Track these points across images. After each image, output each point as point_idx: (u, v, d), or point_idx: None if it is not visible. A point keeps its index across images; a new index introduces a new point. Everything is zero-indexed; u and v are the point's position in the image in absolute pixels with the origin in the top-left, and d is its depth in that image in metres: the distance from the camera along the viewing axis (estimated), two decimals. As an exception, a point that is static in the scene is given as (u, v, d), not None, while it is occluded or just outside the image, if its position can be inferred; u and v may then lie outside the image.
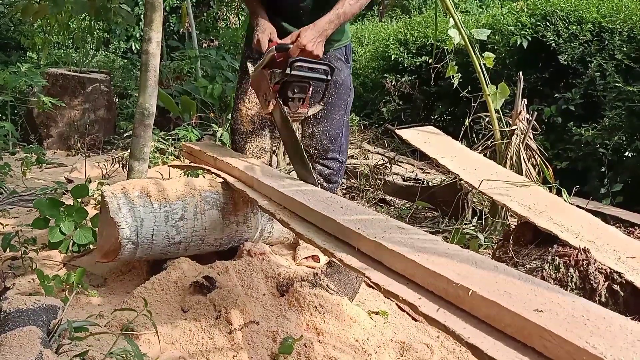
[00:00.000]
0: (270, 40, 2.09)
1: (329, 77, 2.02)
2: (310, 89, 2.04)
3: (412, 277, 1.13)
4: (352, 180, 4.63)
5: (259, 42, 2.10)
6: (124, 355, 1.44)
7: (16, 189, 3.70)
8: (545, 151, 3.63)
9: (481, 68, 3.40)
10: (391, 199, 4.30)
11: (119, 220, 2.01)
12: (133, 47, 6.39)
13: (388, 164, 4.78)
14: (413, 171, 5.30)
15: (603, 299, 1.95)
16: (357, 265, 1.28)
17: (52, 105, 4.91)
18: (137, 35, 8.30)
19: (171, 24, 8.67)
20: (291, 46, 1.97)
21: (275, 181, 1.94)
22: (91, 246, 2.49)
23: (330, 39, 2.19)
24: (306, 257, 2.52)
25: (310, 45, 1.97)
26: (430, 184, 4.32)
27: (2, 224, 2.82)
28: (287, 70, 1.90)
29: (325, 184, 2.44)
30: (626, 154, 4.09)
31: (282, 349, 1.74)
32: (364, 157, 5.45)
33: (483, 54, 3.44)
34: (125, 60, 8.21)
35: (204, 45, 7.30)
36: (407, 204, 4.15)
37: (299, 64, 1.92)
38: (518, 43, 4.97)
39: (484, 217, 3.51)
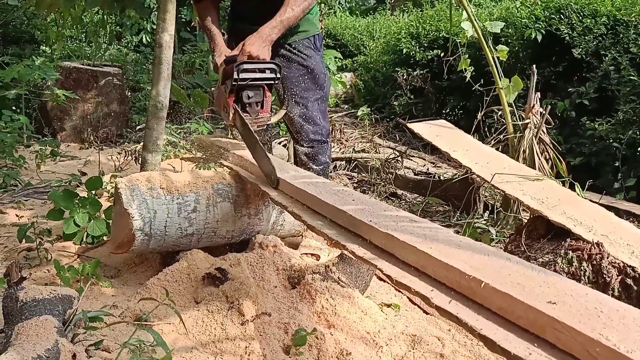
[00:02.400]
0: None
1: (278, 75, 2.11)
2: (268, 93, 2.13)
3: (424, 269, 1.14)
4: (363, 174, 4.62)
5: (216, 66, 2.22)
6: (138, 345, 1.46)
7: (31, 181, 3.75)
8: (559, 146, 3.60)
9: (494, 61, 3.37)
10: (402, 193, 4.30)
11: (132, 212, 2.03)
12: (144, 40, 6.40)
13: (399, 158, 4.77)
14: (424, 165, 5.28)
15: (616, 293, 1.94)
16: (369, 257, 1.28)
17: (65, 99, 4.94)
18: (149, 27, 8.34)
19: (182, 15, 8.68)
20: (237, 56, 2.09)
21: (287, 173, 1.94)
22: (105, 238, 2.51)
23: (298, 30, 2.45)
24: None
25: (255, 50, 2.08)
26: (441, 178, 4.31)
27: (17, 216, 2.85)
28: (235, 75, 1.99)
29: (315, 167, 2.57)
30: (640, 148, 4.05)
31: (296, 341, 1.75)
32: (375, 150, 5.44)
33: (496, 47, 3.42)
34: (138, 54, 8.24)
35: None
36: (418, 198, 4.15)
37: (245, 66, 2.02)
38: (532, 36, 4.92)
39: (495, 212, 3.49)
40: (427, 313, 2.20)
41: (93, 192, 2.63)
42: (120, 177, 2.52)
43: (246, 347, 1.70)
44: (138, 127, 5.35)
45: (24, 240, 2.42)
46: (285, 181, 1.85)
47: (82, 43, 7.41)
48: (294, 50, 2.53)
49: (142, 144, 2.91)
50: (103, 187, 3.00)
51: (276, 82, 2.15)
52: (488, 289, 0.96)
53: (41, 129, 5.50)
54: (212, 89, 2.38)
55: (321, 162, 2.63)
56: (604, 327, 0.80)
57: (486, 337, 0.90)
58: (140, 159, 2.87)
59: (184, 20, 8.90)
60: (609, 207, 2.72)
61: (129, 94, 6.68)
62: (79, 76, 5.64)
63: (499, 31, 3.81)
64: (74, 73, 5.62)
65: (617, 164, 4.12)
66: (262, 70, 2.07)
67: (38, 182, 3.73)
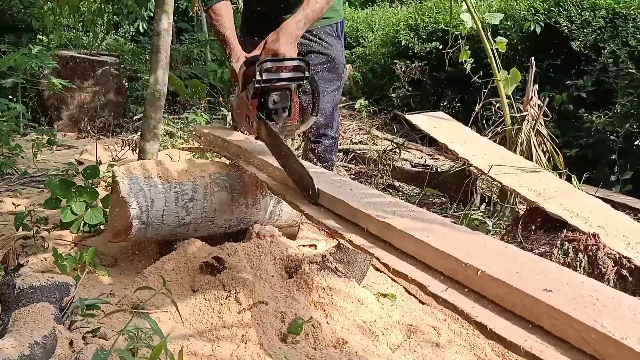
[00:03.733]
0: None
1: (307, 74, 1.81)
2: (295, 97, 1.85)
3: (421, 257, 1.14)
4: (361, 166, 4.63)
5: (234, 72, 2.00)
6: (136, 332, 1.46)
7: (27, 170, 3.74)
8: (556, 138, 3.61)
9: (493, 53, 3.37)
10: (400, 185, 4.30)
11: (130, 200, 2.03)
12: (140, 28, 6.36)
13: (397, 150, 4.77)
14: (422, 157, 5.28)
15: (611, 284, 1.95)
16: (366, 246, 1.29)
17: (62, 87, 4.93)
18: (146, 15, 8.28)
19: (180, 4, 8.63)
20: (259, 56, 1.83)
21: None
22: (102, 227, 2.51)
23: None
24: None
25: (280, 47, 1.82)
26: (439, 170, 4.31)
27: (14, 204, 2.85)
28: (258, 76, 1.73)
29: (318, 164, 2.44)
30: (637, 142, 4.06)
31: (291, 329, 1.76)
32: (373, 142, 5.44)
33: (495, 39, 3.41)
34: (135, 44, 8.21)
35: (214, 29, 7.28)
36: (415, 189, 4.15)
37: (268, 65, 1.74)
38: (531, 29, 4.92)
39: (492, 204, 3.50)
40: (423, 303, 2.21)
41: (90, 181, 2.63)
42: (118, 166, 2.51)
43: (243, 335, 1.70)
44: (135, 117, 5.34)
45: (20, 229, 2.42)
46: (283, 171, 1.85)
47: (79, 32, 7.36)
48: (315, 38, 2.38)
49: (139, 133, 2.90)
50: (100, 176, 2.99)
51: (305, 82, 1.85)
52: (484, 277, 0.96)
53: (38, 118, 5.48)
54: (231, 97, 2.14)
55: (326, 160, 2.52)
56: (599, 314, 0.80)
57: (482, 325, 0.90)
58: (137, 148, 2.87)
59: (181, 9, 8.85)
60: (605, 200, 2.73)
61: (127, 83, 6.65)
62: (76, 65, 5.62)
63: (498, 23, 3.80)
64: (71, 62, 5.60)
65: (614, 157, 4.14)
66: (289, 70, 1.79)
67: (35, 171, 3.73)
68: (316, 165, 2.41)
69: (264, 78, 1.73)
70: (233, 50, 2.10)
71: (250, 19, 2.49)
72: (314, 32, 2.36)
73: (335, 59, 2.38)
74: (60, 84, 4.88)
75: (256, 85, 1.75)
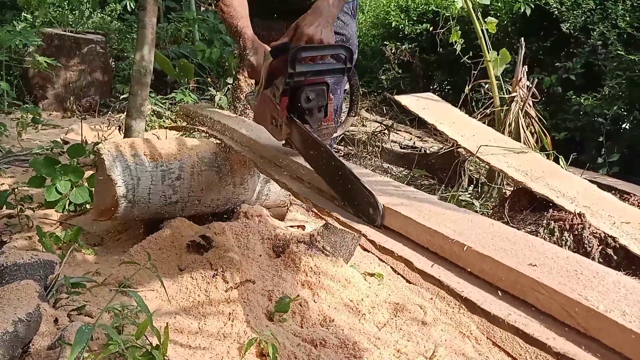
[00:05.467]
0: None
1: (349, 65, 1.47)
2: (329, 92, 1.51)
3: (408, 234, 1.14)
4: (350, 147, 4.61)
5: (252, 67, 1.67)
6: (121, 309, 1.45)
7: (12, 149, 3.69)
8: (544, 121, 3.62)
9: (483, 34, 3.36)
10: (388, 166, 4.30)
11: (116, 178, 2.00)
12: (128, 7, 6.25)
13: (386, 132, 4.76)
14: (411, 139, 5.28)
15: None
16: (352, 223, 1.28)
17: (47, 66, 4.85)
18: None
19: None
20: (289, 43, 1.49)
21: (273, 142, 1.92)
22: (88, 206, 2.49)
23: None
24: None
25: (315, 32, 1.48)
26: (427, 152, 4.32)
27: (-2, 183, 2.81)
28: (290, 69, 1.38)
29: None
30: (624, 125, 4.09)
31: (278, 307, 1.76)
32: (362, 124, 5.42)
33: (485, 20, 3.39)
34: (122, 22, 8.07)
35: (202, 8, 7.18)
36: (404, 171, 4.16)
37: (304, 54, 1.39)
38: (521, 10, 4.90)
39: (480, 185, 3.52)
40: (410, 282, 2.22)
41: (76, 159, 2.60)
42: (103, 144, 2.48)
43: (230, 313, 1.70)
44: (122, 97, 5.27)
45: (4, 207, 2.39)
46: (271, 149, 1.83)
47: (65, 10, 7.22)
48: None
49: (126, 111, 2.86)
50: (86, 155, 2.96)
51: (346, 74, 1.50)
52: (470, 253, 0.96)
53: (22, 97, 5.40)
54: (248, 96, 1.70)
55: None
56: (583, 288, 0.80)
57: (467, 299, 0.90)
58: (124, 126, 2.83)
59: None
60: (591, 182, 2.75)
61: (113, 62, 6.56)
62: (61, 43, 5.52)
63: (489, 3, 3.78)
64: (56, 40, 5.50)
65: (601, 140, 4.16)
66: (326, 58, 1.48)
67: (19, 150, 3.68)
68: None
69: (297, 70, 1.39)
70: (248, 41, 1.76)
71: None
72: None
73: (350, 39, 2.13)
74: (45, 62, 4.80)
75: (287, 80, 1.40)
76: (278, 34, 1.61)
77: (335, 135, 1.57)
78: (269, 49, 1.50)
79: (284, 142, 1.56)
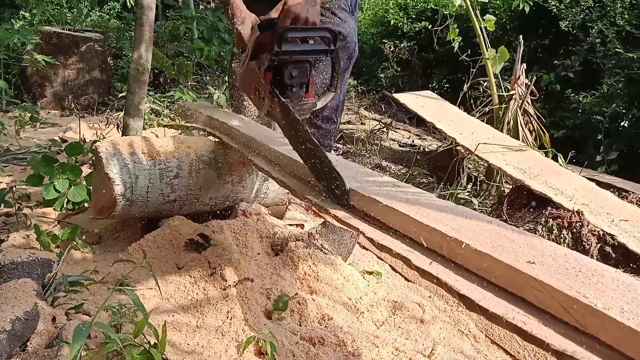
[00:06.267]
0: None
1: (332, 47, 1.54)
2: (313, 70, 1.58)
3: (406, 232, 1.14)
4: (349, 145, 4.61)
5: (239, 37, 1.70)
6: (119, 308, 1.45)
7: (10, 147, 3.68)
8: (543, 119, 3.62)
9: (482, 31, 3.35)
10: (387, 164, 4.30)
11: (114, 177, 2.00)
12: (127, 3, 6.24)
13: (385, 130, 4.76)
14: (409, 137, 5.28)
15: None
16: (351, 222, 1.28)
17: (46, 64, 4.84)
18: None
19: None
20: (277, 19, 1.53)
21: (272, 140, 1.92)
22: (86, 204, 2.48)
23: None
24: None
25: (301, 10, 1.53)
26: (426, 150, 4.32)
27: (-4, 181, 2.81)
28: (276, 47, 1.44)
29: None
30: (623, 123, 4.09)
31: (277, 306, 1.76)
32: (361, 122, 5.42)
33: (484, 17, 3.39)
34: (120, 20, 8.06)
35: (201, 6, 7.17)
36: (403, 169, 4.16)
37: (291, 34, 1.46)
38: (520, 8, 4.89)
39: (478, 183, 3.52)
40: (408, 280, 2.22)
41: (74, 158, 2.59)
42: (101, 142, 2.47)
43: (228, 311, 1.70)
44: (121, 95, 5.26)
45: (2, 206, 2.38)
46: (269, 147, 1.83)
47: (63, 8, 7.21)
48: (327, 12, 2.14)
49: (124, 109, 2.86)
50: (84, 154, 2.96)
51: (329, 55, 1.56)
52: (468, 250, 0.96)
53: (21, 95, 5.39)
54: (234, 64, 1.82)
55: (324, 146, 2.27)
56: (582, 285, 0.80)
57: (465, 297, 0.90)
58: (122, 124, 2.83)
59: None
60: (590, 180, 2.75)
61: (111, 61, 6.55)
62: (59, 41, 5.51)
63: (487, 1, 3.78)
64: (54, 38, 5.49)
65: (599, 137, 4.16)
66: (311, 39, 1.53)
67: (17, 148, 3.67)
68: None
69: (283, 49, 1.45)
70: (237, 10, 1.77)
71: None
72: (327, 6, 2.14)
73: (347, 37, 2.13)
74: (43, 60, 4.79)
75: (273, 57, 1.47)
76: (265, 8, 1.63)
77: (315, 108, 1.64)
78: (257, 19, 1.60)
79: (265, 113, 1.62)
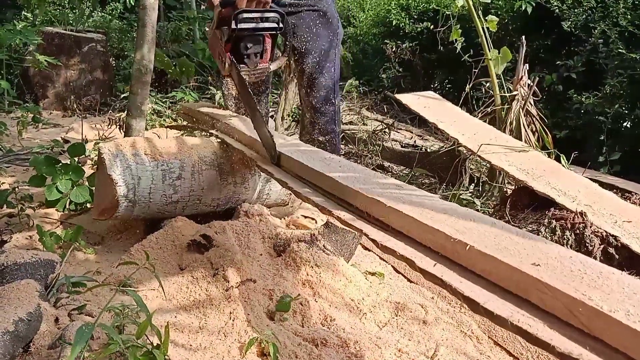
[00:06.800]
0: None
1: (280, 25, 1.84)
2: (268, 40, 1.88)
3: (409, 233, 1.13)
4: (351, 146, 4.61)
5: (210, 4, 1.93)
6: (122, 309, 1.45)
7: (12, 148, 3.68)
8: (545, 119, 3.61)
9: (484, 32, 3.35)
10: (389, 165, 4.30)
11: (116, 178, 2.00)
12: (128, 3, 6.23)
13: (387, 130, 4.75)
14: (411, 138, 5.28)
15: (598, 262, 1.96)
16: (354, 223, 1.27)
17: (48, 64, 4.84)
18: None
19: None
20: None
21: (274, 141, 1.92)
22: (88, 205, 2.49)
23: None
24: (305, 217, 2.52)
25: None
26: (428, 150, 4.31)
27: (-2, 182, 2.81)
28: (233, 25, 1.74)
29: (321, 138, 2.26)
30: (625, 124, 4.08)
31: (279, 306, 1.76)
32: (363, 123, 5.42)
33: (486, 18, 3.39)
34: (122, 21, 8.06)
35: (202, 6, 7.17)
36: (405, 170, 4.15)
37: (244, 15, 1.75)
38: (522, 8, 4.89)
39: (481, 184, 3.51)
40: (411, 281, 2.22)
41: (76, 159, 2.59)
42: (104, 143, 2.47)
43: (230, 312, 1.70)
44: (123, 96, 5.26)
45: (5, 206, 2.38)
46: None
47: (65, 9, 7.21)
48: None
49: (126, 110, 2.85)
50: (86, 154, 2.96)
51: (278, 32, 1.87)
52: (473, 252, 0.95)
53: (23, 96, 5.39)
54: (206, 28, 2.09)
55: (328, 132, 2.30)
56: (587, 288, 0.80)
57: (470, 299, 0.90)
58: (124, 126, 2.83)
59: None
60: (592, 181, 2.74)
61: (114, 61, 6.55)
62: (61, 42, 5.51)
63: (489, 1, 3.77)
64: (56, 39, 5.49)
65: (602, 138, 4.15)
66: (263, 19, 1.81)
67: (20, 149, 3.67)
68: (318, 139, 2.25)
69: (239, 27, 1.75)
70: None
71: None
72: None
73: (327, 13, 2.26)
74: (45, 61, 4.79)
75: (230, 33, 1.77)
76: None
77: (269, 71, 1.93)
78: None
79: (226, 75, 1.90)
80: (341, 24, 2.36)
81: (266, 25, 1.82)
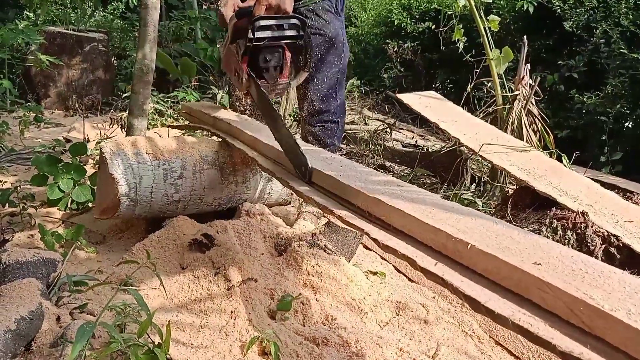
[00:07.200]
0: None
1: (302, 33, 1.68)
2: (288, 53, 1.72)
3: (411, 232, 1.13)
4: (352, 146, 4.61)
5: (222, 18, 1.79)
6: (123, 308, 1.45)
7: (14, 147, 3.69)
8: (547, 119, 3.61)
9: (485, 32, 3.35)
10: (390, 165, 4.30)
11: (118, 177, 2.00)
12: (130, 3, 6.24)
13: (388, 130, 4.76)
14: (413, 137, 5.28)
15: (599, 262, 1.96)
16: (356, 222, 1.27)
17: (50, 64, 4.84)
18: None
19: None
20: (253, 8, 1.66)
21: (275, 141, 1.92)
22: (90, 204, 2.49)
23: None
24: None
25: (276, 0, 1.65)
26: (429, 150, 4.31)
27: (0, 181, 2.81)
28: (250, 34, 1.59)
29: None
30: (627, 123, 4.08)
31: (280, 306, 1.76)
32: (364, 123, 5.42)
33: (488, 18, 3.39)
34: (124, 21, 8.07)
35: (204, 6, 7.17)
36: (406, 169, 4.15)
37: (262, 23, 1.60)
38: (524, 8, 4.88)
39: (482, 184, 3.51)
40: (412, 281, 2.22)
41: (77, 158, 2.60)
42: (106, 142, 2.48)
43: (232, 311, 1.70)
44: (124, 95, 5.26)
45: (7, 205, 2.39)
46: (273, 148, 1.83)
47: (67, 9, 7.22)
48: (311, 14, 2.18)
49: (128, 109, 2.86)
50: (88, 154, 2.96)
51: (299, 41, 1.70)
52: (474, 251, 0.96)
53: (25, 95, 5.40)
54: (218, 45, 1.98)
55: (327, 144, 2.29)
56: (588, 287, 0.80)
57: (471, 298, 0.90)
58: (126, 124, 2.83)
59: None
60: (594, 181, 2.74)
61: (115, 61, 6.56)
62: (63, 42, 5.52)
63: (491, 1, 3.77)
64: (58, 38, 5.50)
65: (604, 138, 4.15)
66: (283, 27, 1.65)
67: (22, 148, 3.68)
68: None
69: (256, 36, 1.60)
70: None
71: None
72: (311, 7, 2.18)
73: (333, 38, 2.19)
74: (47, 60, 4.79)
75: (247, 44, 1.63)
76: None
77: (289, 88, 1.81)
78: (237, 4, 1.75)
79: (244, 92, 1.76)
80: (348, 46, 2.30)
81: (286, 33, 1.66)
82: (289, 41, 1.70)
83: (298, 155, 1.55)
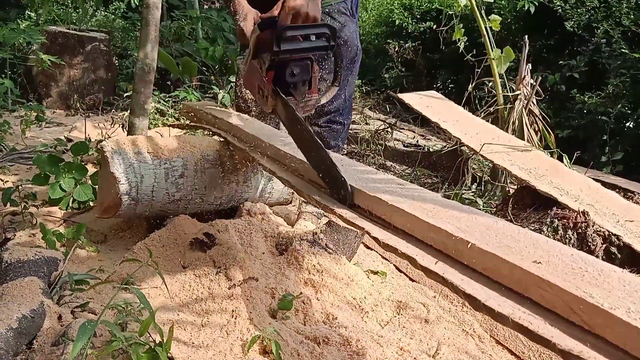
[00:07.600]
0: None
1: (332, 43, 1.50)
2: (316, 66, 1.56)
3: (411, 231, 1.13)
4: (353, 146, 4.61)
5: (242, 33, 1.68)
6: (125, 307, 1.45)
7: (16, 146, 3.69)
8: (548, 119, 3.61)
9: (487, 31, 3.35)
10: (391, 165, 4.30)
11: (119, 176, 2.01)
12: (133, 3, 6.25)
13: (389, 130, 4.76)
14: (414, 137, 5.28)
15: (600, 261, 1.96)
16: (357, 221, 1.28)
17: (51, 64, 4.85)
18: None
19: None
20: (278, 17, 1.50)
21: (276, 139, 1.93)
22: (91, 203, 2.49)
23: None
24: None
25: (303, 7, 1.49)
26: (430, 150, 4.31)
27: (2, 180, 2.82)
28: (276, 47, 1.42)
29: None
30: (628, 123, 4.08)
31: (281, 305, 1.76)
32: (365, 122, 5.42)
33: (489, 17, 3.39)
34: (125, 20, 8.08)
35: (205, 6, 7.18)
36: (407, 169, 4.15)
37: (289, 33, 1.43)
38: (525, 8, 4.89)
39: (483, 183, 3.51)
40: (413, 280, 2.22)
41: (79, 157, 2.60)
42: (107, 141, 2.48)
43: (233, 310, 1.70)
44: (126, 95, 5.27)
45: (8, 204, 2.39)
46: (274, 147, 1.84)
47: (68, 8, 7.23)
48: (326, 17, 2.11)
49: (129, 109, 2.86)
50: (89, 153, 2.96)
51: (329, 52, 1.52)
52: (474, 250, 0.96)
53: (26, 95, 5.40)
54: (238, 61, 1.74)
55: (331, 146, 2.22)
56: (588, 285, 0.80)
57: (471, 296, 0.90)
58: (127, 124, 2.83)
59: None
60: (595, 181, 2.74)
61: (117, 60, 6.56)
62: (65, 41, 5.53)
63: (492, 1, 3.77)
64: (59, 38, 5.50)
65: (605, 138, 4.15)
66: (309, 37, 1.47)
67: (23, 147, 3.68)
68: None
69: (283, 48, 1.43)
70: (239, 6, 1.73)
71: None
72: (326, 10, 2.10)
73: (347, 41, 2.11)
74: (49, 60, 4.80)
75: (273, 57, 1.46)
76: (268, 3, 1.62)
77: (319, 105, 1.62)
78: (258, 15, 1.60)
79: (270, 111, 1.59)
80: (361, 49, 2.23)
81: (315, 44, 1.49)
82: (317, 52, 1.53)
83: (337, 178, 1.38)
